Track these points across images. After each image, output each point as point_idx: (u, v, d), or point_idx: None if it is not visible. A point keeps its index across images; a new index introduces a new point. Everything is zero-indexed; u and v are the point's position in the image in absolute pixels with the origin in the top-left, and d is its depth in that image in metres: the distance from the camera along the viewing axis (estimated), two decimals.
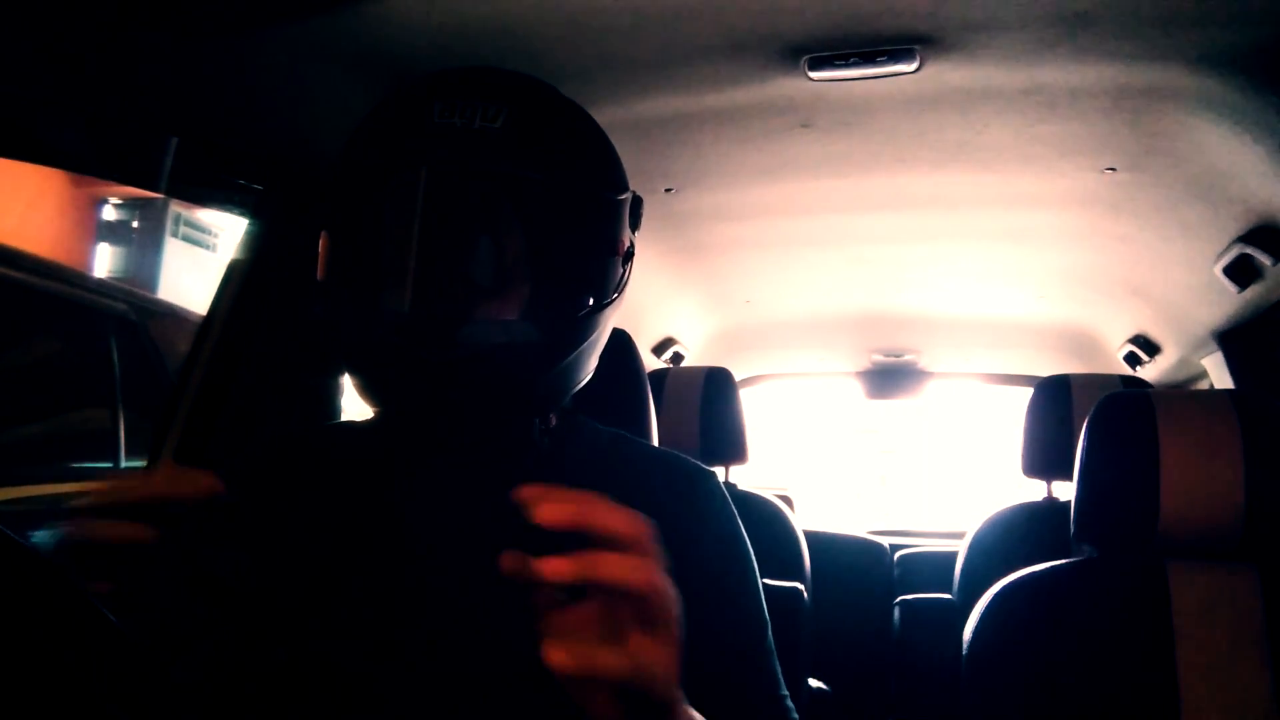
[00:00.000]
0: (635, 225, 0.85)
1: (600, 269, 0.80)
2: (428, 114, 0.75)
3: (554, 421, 0.85)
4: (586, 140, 0.82)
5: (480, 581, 0.76)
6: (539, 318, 0.76)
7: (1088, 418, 1.22)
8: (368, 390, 0.80)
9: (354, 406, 1.54)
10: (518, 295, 0.77)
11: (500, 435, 0.80)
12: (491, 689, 0.74)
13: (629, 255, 0.83)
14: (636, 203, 0.84)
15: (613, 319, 0.84)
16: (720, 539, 0.85)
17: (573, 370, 0.81)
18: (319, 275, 0.81)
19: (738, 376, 2.15)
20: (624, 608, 0.56)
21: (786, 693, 0.83)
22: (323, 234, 0.81)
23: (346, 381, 1.53)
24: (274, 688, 0.76)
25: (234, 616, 0.81)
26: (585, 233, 0.79)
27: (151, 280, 6.09)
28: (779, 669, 0.84)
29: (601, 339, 0.83)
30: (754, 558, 0.87)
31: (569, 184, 0.78)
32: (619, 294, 0.82)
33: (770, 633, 0.85)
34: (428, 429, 0.78)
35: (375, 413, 0.82)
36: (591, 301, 0.79)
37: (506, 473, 0.81)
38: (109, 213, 6.38)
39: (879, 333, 3.00)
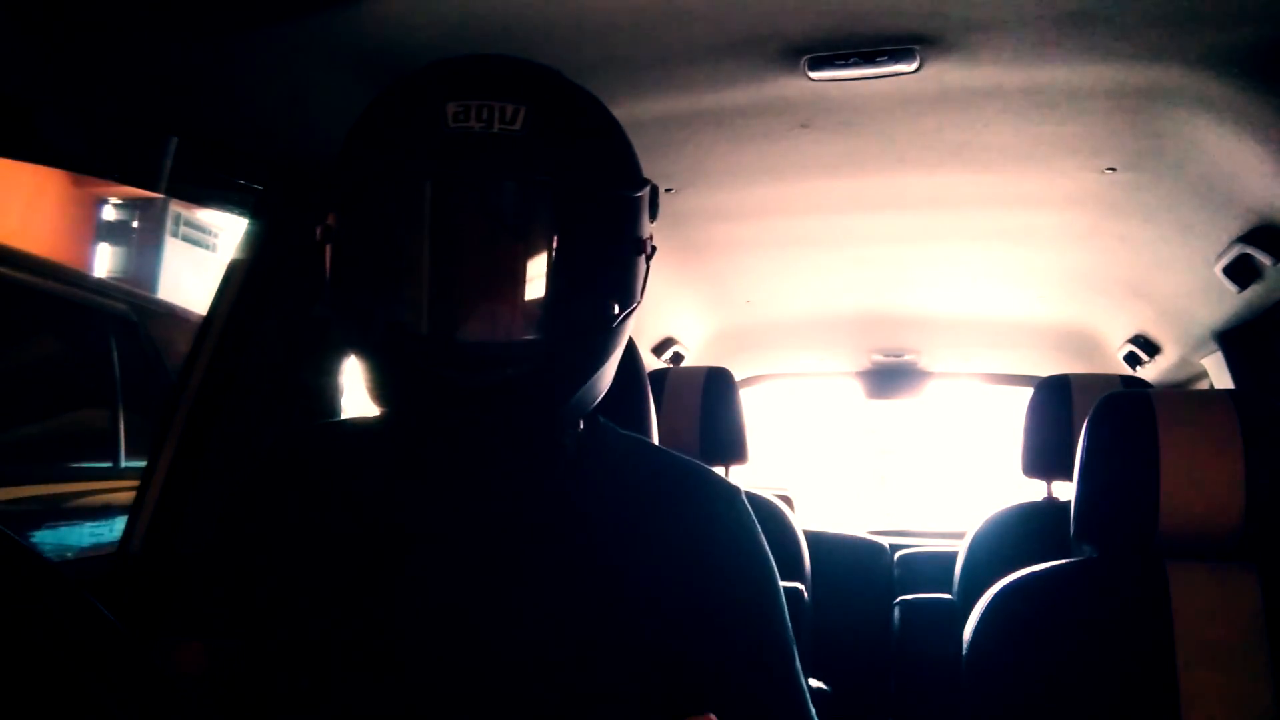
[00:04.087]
0: (654, 216, 0.80)
1: (628, 273, 0.76)
2: (441, 117, 0.69)
3: (580, 426, 0.82)
4: (607, 135, 0.77)
5: (506, 587, 0.75)
6: (572, 331, 0.73)
7: (1088, 418, 1.22)
8: (397, 411, 0.76)
9: (354, 406, 1.54)
10: (548, 308, 0.72)
11: (531, 448, 0.78)
12: (515, 700, 0.71)
13: (652, 251, 0.79)
14: (654, 192, 0.79)
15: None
16: (748, 565, 0.81)
17: (602, 379, 0.78)
18: (331, 290, 0.75)
19: (738, 376, 2.15)
20: None
21: None
22: (328, 246, 0.75)
23: (346, 381, 1.53)
24: (280, 693, 0.76)
25: (241, 620, 0.81)
26: (613, 236, 0.75)
27: (151, 280, 6.08)
28: (808, 696, 0.79)
29: (624, 342, 0.80)
30: (779, 579, 0.82)
31: (596, 187, 0.74)
32: (642, 295, 0.78)
33: (797, 659, 0.80)
34: (459, 448, 0.75)
35: (388, 414, 0.79)
36: (619, 308, 0.75)
37: (534, 480, 0.80)
38: (109, 213, 6.37)
39: (879, 333, 2.99)
